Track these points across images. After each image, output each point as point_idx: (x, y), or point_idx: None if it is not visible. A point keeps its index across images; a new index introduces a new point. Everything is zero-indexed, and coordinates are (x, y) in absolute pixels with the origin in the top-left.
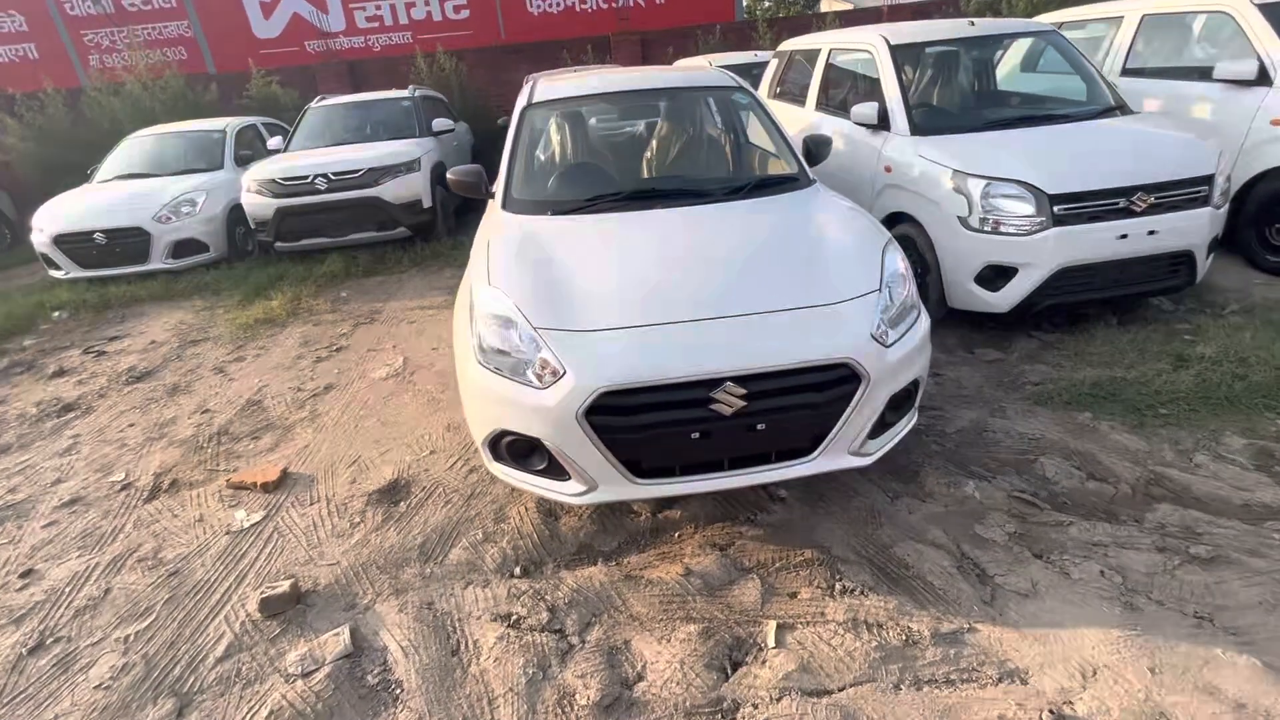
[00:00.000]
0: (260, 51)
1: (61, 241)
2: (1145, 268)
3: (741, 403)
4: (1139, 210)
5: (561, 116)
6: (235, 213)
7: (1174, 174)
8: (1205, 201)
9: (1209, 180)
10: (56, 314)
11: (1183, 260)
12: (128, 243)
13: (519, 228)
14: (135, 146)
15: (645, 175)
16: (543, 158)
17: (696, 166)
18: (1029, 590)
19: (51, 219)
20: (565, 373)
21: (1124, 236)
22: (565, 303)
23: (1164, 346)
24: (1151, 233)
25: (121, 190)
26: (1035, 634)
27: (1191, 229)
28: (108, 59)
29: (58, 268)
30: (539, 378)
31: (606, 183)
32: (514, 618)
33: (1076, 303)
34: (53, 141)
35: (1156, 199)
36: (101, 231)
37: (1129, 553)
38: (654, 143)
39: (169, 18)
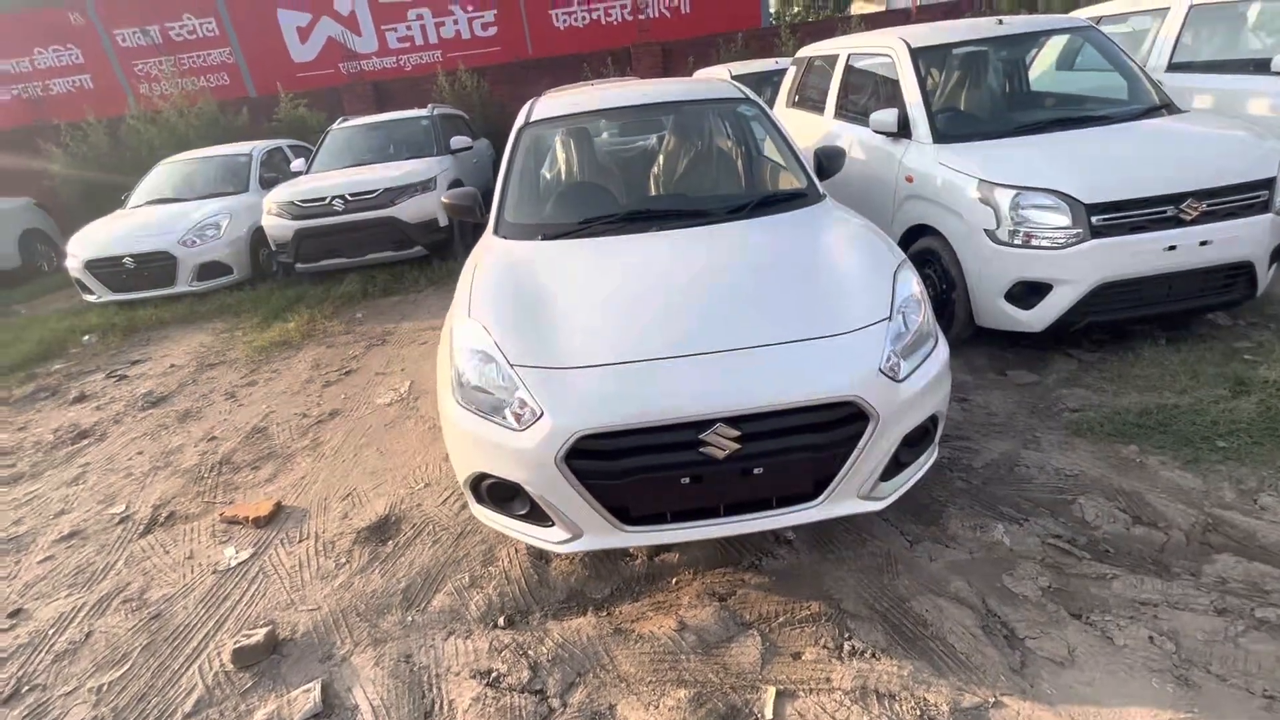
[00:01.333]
0: (297, 75)
1: (93, 266)
2: (1198, 281)
3: (735, 445)
4: (1189, 219)
5: (557, 135)
6: (259, 235)
7: (1228, 178)
8: (1265, 207)
9: (1269, 184)
10: (86, 338)
11: (1241, 272)
12: (155, 266)
13: (507, 254)
14: (165, 172)
15: (643, 195)
16: (544, 178)
17: (698, 185)
18: (1065, 658)
19: (84, 245)
20: (543, 414)
21: (1172, 248)
22: (546, 337)
23: (1221, 368)
24: (1204, 243)
25: (150, 215)
26: (1072, 712)
27: (1250, 237)
28: (155, 87)
29: (90, 292)
30: (517, 418)
31: (601, 204)
32: (494, 675)
33: (1119, 320)
34: (95, 169)
35: (1209, 206)
36: (130, 256)
37: (1183, 614)
38: (655, 160)
39: (212, 45)
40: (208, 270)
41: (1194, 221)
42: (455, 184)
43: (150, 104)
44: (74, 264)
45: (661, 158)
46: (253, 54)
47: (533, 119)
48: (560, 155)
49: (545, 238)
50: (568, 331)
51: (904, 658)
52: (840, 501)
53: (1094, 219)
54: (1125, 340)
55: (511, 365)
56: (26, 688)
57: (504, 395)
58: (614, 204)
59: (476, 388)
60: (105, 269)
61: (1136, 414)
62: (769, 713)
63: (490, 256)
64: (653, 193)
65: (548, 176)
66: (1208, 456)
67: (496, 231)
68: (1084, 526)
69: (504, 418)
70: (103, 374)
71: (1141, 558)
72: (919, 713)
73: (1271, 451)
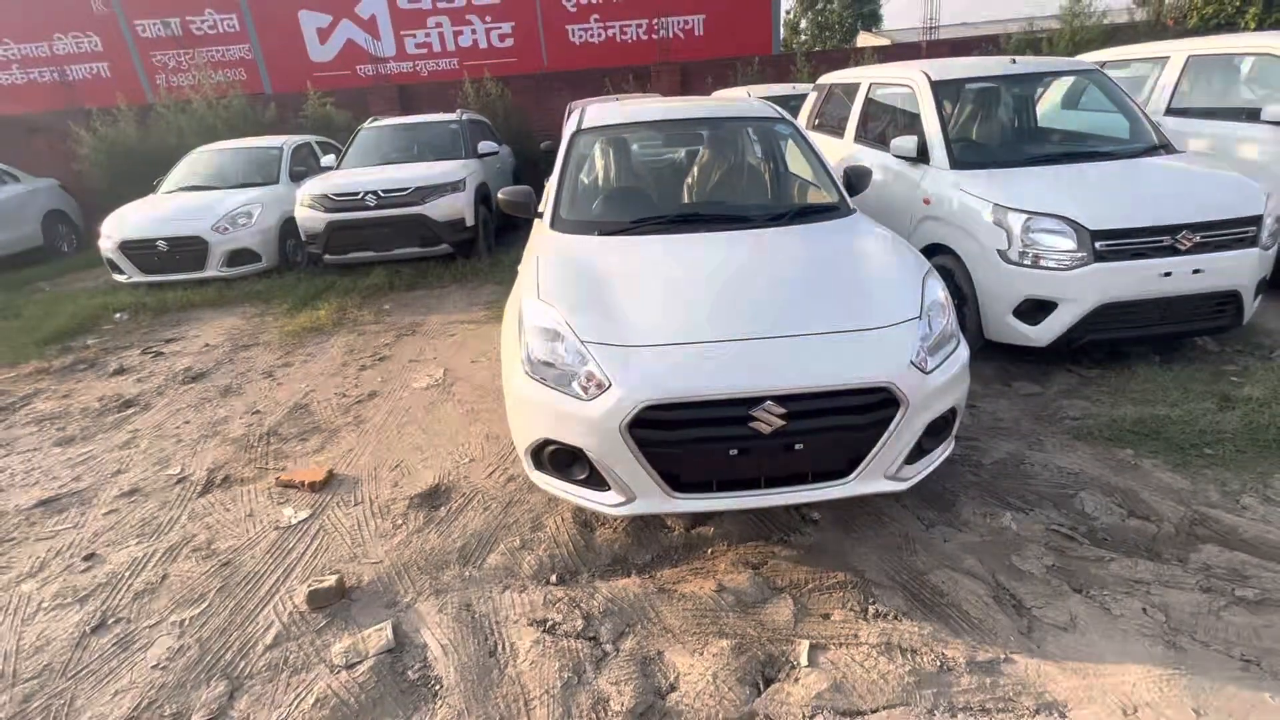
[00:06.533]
0: (314, 74)
1: (127, 248)
2: (1190, 307)
3: (780, 422)
4: (1183, 249)
5: (608, 142)
6: (287, 225)
7: (1220, 213)
8: (1253, 242)
9: (1257, 220)
10: (118, 315)
11: (1229, 300)
12: (187, 251)
13: (567, 246)
14: (198, 160)
15: (689, 200)
16: (588, 181)
17: (739, 193)
18: (1068, 624)
19: (119, 226)
20: (610, 385)
21: (1168, 274)
22: (611, 318)
23: (1209, 386)
24: (1196, 271)
25: (184, 201)
26: (1074, 667)
27: (1238, 269)
28: (173, 79)
29: (121, 272)
30: (584, 389)
31: (652, 206)
32: (550, 623)
33: (1118, 339)
34: (121, 154)
35: (1202, 238)
36: (164, 239)
37: (1172, 592)
38: (697, 169)
39: (231, 41)
40: (237, 257)
41: (1188, 251)
42: (482, 187)
43: (181, 94)
44: (108, 244)
45: (705, 167)
46: (271, 51)
47: (585, 126)
48: (611, 160)
49: (602, 233)
50: (631, 314)
51: (923, 620)
52: (870, 480)
53: (1097, 244)
54: (1122, 359)
55: (582, 341)
56: (112, 620)
57: (572, 368)
58: (663, 206)
59: (545, 362)
60: (138, 251)
61: (1132, 423)
62: (804, 661)
63: (552, 247)
64: (698, 198)
65: (599, 178)
66: (1195, 461)
67: (553, 226)
68: (1084, 517)
69: (571, 389)
70: (138, 350)
71: (1136, 545)
72: (939, 664)
73: (1253, 459)
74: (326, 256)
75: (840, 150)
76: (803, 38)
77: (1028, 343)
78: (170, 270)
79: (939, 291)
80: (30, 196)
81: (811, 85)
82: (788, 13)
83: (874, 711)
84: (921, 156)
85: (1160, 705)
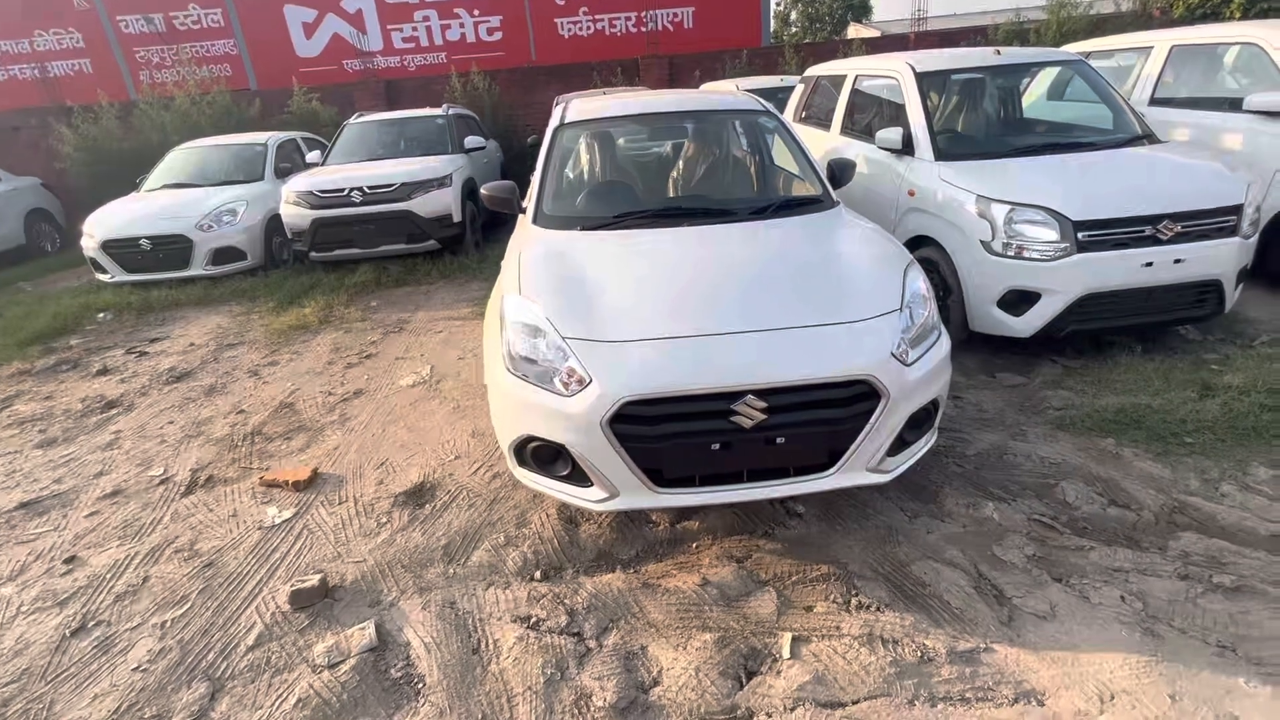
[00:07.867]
0: (300, 69)
1: (109, 247)
2: (1172, 296)
3: (762, 416)
4: (1165, 238)
5: (592, 136)
6: (273, 222)
7: (1201, 203)
8: (1233, 231)
9: (1238, 210)
10: (101, 315)
11: (1210, 289)
12: (171, 249)
13: (549, 242)
14: (181, 158)
15: (672, 194)
16: (572, 175)
17: (722, 187)
18: (1047, 612)
19: (101, 225)
20: (591, 381)
21: (1149, 264)
22: (593, 314)
23: (1190, 375)
24: (1178, 261)
25: (167, 199)
26: (1053, 656)
27: (1219, 258)
28: (157, 75)
29: (104, 271)
30: (565, 386)
31: (634, 200)
32: (533, 619)
33: (1101, 329)
34: (104, 152)
35: (1183, 227)
36: (147, 238)
37: (1151, 579)
38: (681, 163)
39: (216, 36)
40: (222, 255)
41: (1169, 241)
42: (469, 182)
43: (164, 90)
44: (90, 244)
45: (688, 161)
46: (256, 46)
47: (568, 120)
48: (595, 155)
49: (584, 228)
50: (612, 309)
51: (905, 611)
52: (851, 472)
53: (1080, 235)
54: (1105, 349)
55: (562, 337)
56: (92, 623)
57: (554, 364)
58: (646, 200)
59: (526, 358)
60: (121, 249)
61: (1114, 412)
62: (786, 653)
63: (533, 243)
64: (680, 192)
65: (583, 173)
66: (1176, 450)
67: (535, 221)
68: (1065, 507)
69: (553, 385)
70: (122, 350)
71: (1116, 534)
72: (919, 655)
73: (1233, 446)
74: (312, 254)
75: (827, 142)
76: (793, 30)
77: (1012, 334)
78: (154, 269)
79: (920, 283)
80: (11, 195)
81: (799, 78)
82: (778, 4)
83: (855, 703)
84: (906, 148)
85: (1137, 691)
